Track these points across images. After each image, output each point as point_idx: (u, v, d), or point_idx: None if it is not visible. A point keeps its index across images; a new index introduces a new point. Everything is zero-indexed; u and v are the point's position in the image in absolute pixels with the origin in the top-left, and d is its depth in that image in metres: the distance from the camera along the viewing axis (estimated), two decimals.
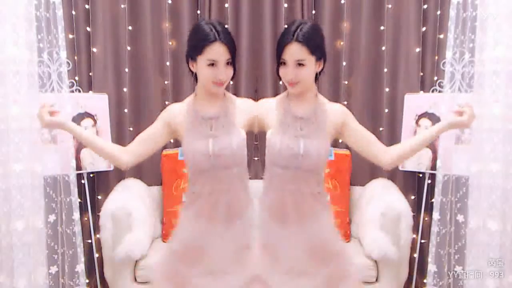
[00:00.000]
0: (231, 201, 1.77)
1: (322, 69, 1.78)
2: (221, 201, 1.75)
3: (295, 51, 1.67)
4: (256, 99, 1.97)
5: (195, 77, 1.78)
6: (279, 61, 1.72)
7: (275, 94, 3.12)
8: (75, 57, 3.15)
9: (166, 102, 3.19)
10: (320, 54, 1.72)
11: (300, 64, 1.68)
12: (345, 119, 1.79)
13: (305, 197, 1.75)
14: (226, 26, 1.75)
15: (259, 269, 1.78)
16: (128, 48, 3.17)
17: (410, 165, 3.10)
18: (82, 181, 3.10)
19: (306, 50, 1.67)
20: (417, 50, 3.18)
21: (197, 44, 1.69)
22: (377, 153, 1.79)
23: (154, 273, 1.92)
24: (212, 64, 1.69)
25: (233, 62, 1.73)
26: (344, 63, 3.21)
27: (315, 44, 1.69)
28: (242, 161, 1.78)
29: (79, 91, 3.09)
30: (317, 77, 1.78)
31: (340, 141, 3.22)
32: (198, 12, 3.24)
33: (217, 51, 1.67)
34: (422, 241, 3.18)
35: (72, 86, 3.02)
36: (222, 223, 1.76)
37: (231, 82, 3.20)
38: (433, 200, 2.98)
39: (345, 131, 1.80)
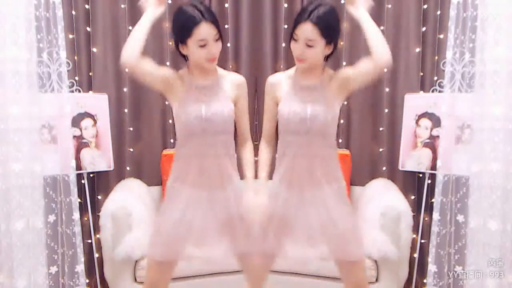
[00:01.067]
0: (216, 167, 1.84)
1: (332, 53, 1.82)
2: (207, 166, 1.83)
3: (306, 30, 1.72)
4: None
5: (186, 59, 1.84)
6: (292, 36, 1.78)
7: None
8: (75, 57, 3.15)
9: (166, 102, 3.19)
10: (331, 38, 1.76)
11: (309, 45, 1.73)
12: (345, 74, 1.85)
13: (317, 160, 1.83)
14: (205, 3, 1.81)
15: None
16: None
17: (410, 165, 3.10)
18: (82, 181, 3.10)
19: (317, 32, 1.71)
20: (417, 50, 3.17)
21: (184, 27, 1.74)
22: (368, 65, 1.79)
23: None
24: (204, 44, 1.74)
25: (220, 35, 1.78)
26: (344, 63, 3.21)
27: (328, 28, 1.73)
28: (230, 130, 1.86)
29: (79, 91, 3.09)
30: (327, 58, 1.83)
31: (340, 140, 3.23)
32: None
33: (205, 30, 1.73)
34: (422, 241, 3.17)
35: (72, 86, 3.02)
36: (208, 190, 1.83)
37: None
38: (433, 200, 2.98)
39: (347, 83, 1.84)
